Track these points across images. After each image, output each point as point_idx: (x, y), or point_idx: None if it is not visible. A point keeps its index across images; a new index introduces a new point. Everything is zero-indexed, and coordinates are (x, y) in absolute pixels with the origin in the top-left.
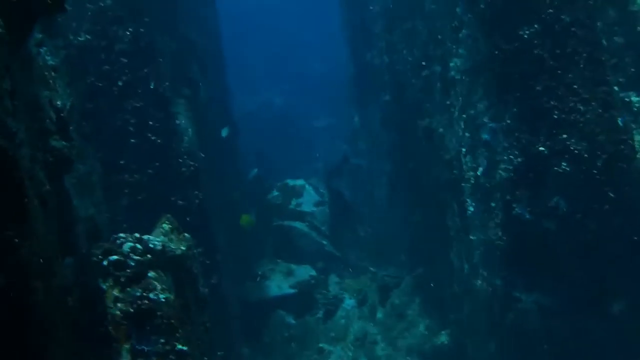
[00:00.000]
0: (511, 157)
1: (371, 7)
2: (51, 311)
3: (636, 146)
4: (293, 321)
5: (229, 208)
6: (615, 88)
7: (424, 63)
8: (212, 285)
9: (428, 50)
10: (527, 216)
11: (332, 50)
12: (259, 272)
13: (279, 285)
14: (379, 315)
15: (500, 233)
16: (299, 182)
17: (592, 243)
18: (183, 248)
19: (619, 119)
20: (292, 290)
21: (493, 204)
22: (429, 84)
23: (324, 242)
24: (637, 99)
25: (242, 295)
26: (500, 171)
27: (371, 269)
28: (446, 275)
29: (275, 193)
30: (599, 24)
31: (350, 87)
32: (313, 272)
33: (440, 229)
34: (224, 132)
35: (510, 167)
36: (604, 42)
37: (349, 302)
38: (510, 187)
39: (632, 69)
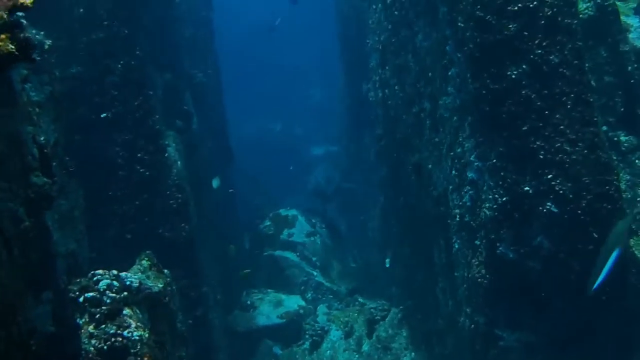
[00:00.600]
0: (496, 196)
1: (368, 41)
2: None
3: (623, 186)
4: (280, 351)
5: (222, 238)
6: (604, 128)
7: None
8: (196, 318)
9: (419, 87)
10: (511, 255)
11: (332, 77)
12: (248, 302)
13: (267, 315)
14: (365, 347)
15: (483, 271)
16: (292, 212)
17: (575, 283)
18: (160, 285)
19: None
20: (280, 321)
21: (477, 242)
22: (419, 120)
23: (314, 273)
24: (626, 138)
25: (230, 324)
26: (485, 210)
27: (360, 300)
28: (432, 309)
29: (267, 223)
30: (589, 64)
31: (347, 117)
32: (302, 303)
33: (428, 264)
34: (215, 183)
35: (495, 206)
36: (593, 82)
37: (336, 333)
38: (494, 226)
39: (622, 109)
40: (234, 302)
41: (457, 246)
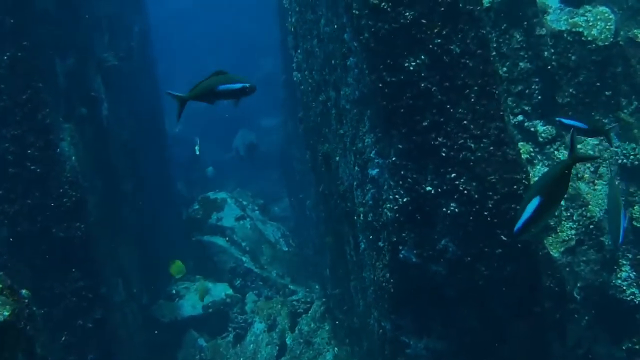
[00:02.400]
0: (397, 196)
1: (287, 22)
2: None
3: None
4: (204, 343)
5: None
6: (520, 117)
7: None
8: (96, 321)
9: (324, 75)
10: (414, 259)
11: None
12: (174, 291)
13: (193, 304)
14: (288, 341)
15: (387, 275)
16: (221, 195)
17: (484, 288)
18: (6, 313)
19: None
20: (206, 310)
21: (381, 244)
22: (327, 109)
23: (244, 259)
24: (544, 128)
25: (155, 315)
26: (386, 210)
27: (291, 287)
28: (349, 306)
29: (196, 206)
30: (503, 49)
31: (284, 91)
32: (229, 291)
33: (344, 258)
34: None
35: (396, 207)
36: (505, 69)
37: (259, 326)
38: (396, 228)
39: (539, 97)
40: (161, 290)
41: (363, 246)
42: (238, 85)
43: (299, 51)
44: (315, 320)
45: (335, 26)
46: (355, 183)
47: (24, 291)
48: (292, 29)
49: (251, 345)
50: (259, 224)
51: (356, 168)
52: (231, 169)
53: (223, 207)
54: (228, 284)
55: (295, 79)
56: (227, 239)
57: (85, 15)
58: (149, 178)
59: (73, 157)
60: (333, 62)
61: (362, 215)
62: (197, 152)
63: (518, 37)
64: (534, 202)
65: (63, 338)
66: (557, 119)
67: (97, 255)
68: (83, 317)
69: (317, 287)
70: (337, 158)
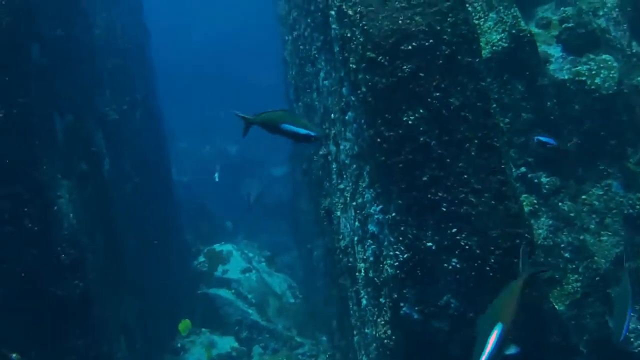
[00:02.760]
0: (397, 252)
1: (288, 75)
2: None
3: (544, 232)
4: None
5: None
6: (523, 169)
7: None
8: None
9: (324, 128)
10: (416, 316)
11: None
12: (179, 345)
13: (198, 358)
14: None
15: (389, 332)
16: (227, 247)
17: None
18: None
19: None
20: None
21: (382, 300)
22: (327, 163)
23: (250, 311)
24: (547, 179)
25: None
26: (387, 267)
27: (297, 339)
28: None
29: (202, 259)
30: (506, 100)
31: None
32: (235, 344)
33: (348, 312)
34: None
35: (397, 264)
36: (507, 121)
37: None
38: (397, 285)
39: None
40: (166, 344)
41: (364, 302)
42: (303, 131)
43: (299, 104)
44: None
45: (334, 80)
46: (356, 238)
47: (14, 355)
48: (293, 82)
49: None
50: (265, 276)
51: (357, 223)
52: (240, 219)
53: (229, 260)
54: (234, 336)
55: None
56: (233, 291)
57: (85, 71)
58: (155, 230)
59: (71, 215)
60: (332, 116)
61: (363, 271)
62: (217, 179)
63: (520, 87)
64: (498, 331)
65: None
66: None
67: (98, 312)
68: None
69: (324, 338)
70: (338, 213)
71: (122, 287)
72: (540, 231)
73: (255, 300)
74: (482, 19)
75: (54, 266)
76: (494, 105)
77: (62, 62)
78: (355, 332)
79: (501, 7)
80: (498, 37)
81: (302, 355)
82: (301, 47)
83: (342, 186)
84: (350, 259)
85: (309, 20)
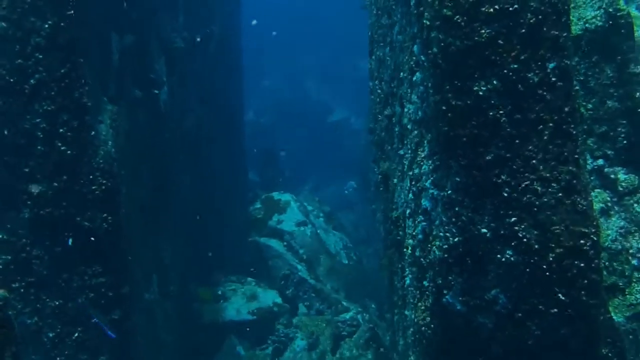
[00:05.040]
0: (448, 234)
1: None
2: None
3: (613, 234)
4: (242, 352)
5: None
6: (601, 162)
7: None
8: (113, 321)
9: (392, 87)
10: (459, 307)
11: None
12: (220, 292)
13: (238, 309)
14: None
15: (428, 319)
16: (285, 196)
17: (533, 349)
18: None
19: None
20: (250, 317)
21: (425, 283)
22: (391, 125)
23: (299, 267)
24: (625, 177)
25: (196, 315)
26: (435, 248)
27: (344, 303)
28: (393, 339)
29: (258, 205)
30: (591, 83)
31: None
32: (279, 300)
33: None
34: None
35: (446, 247)
36: (590, 107)
37: (300, 343)
38: (442, 270)
39: (625, 141)
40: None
41: (407, 281)
42: None
43: (373, 57)
44: (358, 346)
45: (407, 35)
46: (408, 211)
47: (1, 291)
48: (369, 33)
49: None
50: (321, 233)
51: (410, 195)
52: (312, 167)
53: (286, 210)
54: (278, 291)
55: (369, 87)
56: (285, 243)
57: None
58: (216, 170)
59: (110, 142)
60: (401, 74)
61: (410, 248)
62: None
63: (609, 72)
64: None
65: (76, 334)
66: None
67: (126, 250)
68: (99, 315)
69: (373, 306)
70: (395, 180)
71: (165, 225)
72: (609, 232)
73: (306, 256)
74: None
75: (84, 195)
76: (577, 88)
77: None
78: (396, 311)
79: None
80: (593, 13)
81: (342, 324)
82: None
83: (402, 152)
84: (400, 233)
85: None
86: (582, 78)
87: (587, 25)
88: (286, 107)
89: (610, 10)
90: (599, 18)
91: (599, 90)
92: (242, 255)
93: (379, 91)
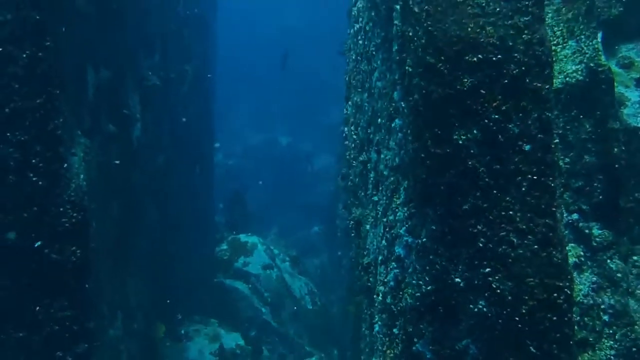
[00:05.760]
0: (420, 282)
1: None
2: None
3: (585, 289)
4: None
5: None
6: (575, 216)
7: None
8: (77, 355)
9: (369, 133)
10: (429, 356)
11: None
12: (183, 331)
13: (200, 349)
14: None
15: None
16: (252, 239)
17: None
18: None
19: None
20: (212, 358)
21: (395, 331)
22: (366, 171)
23: (264, 310)
24: (600, 232)
25: (159, 356)
26: (407, 296)
27: (307, 348)
28: None
29: (224, 247)
30: (570, 137)
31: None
32: (241, 342)
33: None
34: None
35: (418, 294)
36: (567, 161)
37: None
38: (413, 318)
39: (600, 197)
40: (171, 329)
41: (377, 328)
42: None
43: (349, 103)
44: None
45: (387, 82)
46: (380, 258)
47: None
48: (346, 78)
49: None
50: (287, 277)
51: (384, 242)
52: (278, 213)
53: (252, 252)
54: (242, 333)
55: (343, 133)
56: (250, 286)
57: (135, 30)
58: (184, 209)
59: (82, 175)
60: (379, 121)
61: (381, 295)
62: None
63: (588, 127)
64: None
65: None
66: None
67: (93, 284)
68: (63, 349)
69: (335, 352)
70: (368, 227)
71: (131, 261)
72: (581, 287)
73: (271, 300)
74: (560, 45)
75: (53, 227)
76: (557, 141)
77: (111, 14)
78: (363, 358)
79: (582, 37)
80: (574, 67)
81: None
82: (360, 41)
83: (376, 198)
84: (371, 279)
85: (372, 14)
86: (560, 131)
87: (567, 79)
88: (255, 151)
89: (592, 65)
90: (579, 72)
91: (576, 144)
92: (206, 295)
93: (354, 137)
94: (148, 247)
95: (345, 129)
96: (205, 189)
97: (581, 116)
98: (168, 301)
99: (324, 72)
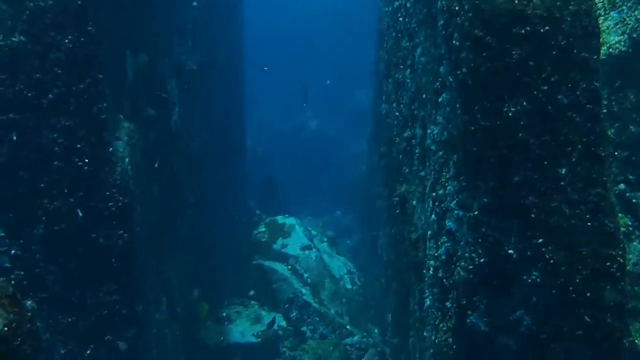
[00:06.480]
0: (473, 255)
1: (380, 51)
2: None
3: (635, 258)
4: None
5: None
6: (622, 186)
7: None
8: (127, 339)
9: (413, 109)
10: (483, 327)
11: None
12: (224, 314)
13: (242, 331)
14: None
15: (450, 340)
16: (290, 220)
17: None
18: None
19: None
20: (254, 340)
21: (448, 304)
22: (410, 147)
23: (303, 291)
24: None
25: (201, 337)
26: (459, 269)
27: (348, 327)
28: None
29: (262, 229)
30: (615, 108)
31: (372, 125)
32: (283, 323)
33: (408, 309)
34: None
35: (471, 267)
36: (613, 131)
37: None
38: (467, 291)
39: None
40: (212, 311)
41: (428, 302)
42: None
43: (389, 81)
44: None
45: (432, 57)
46: (429, 233)
47: (28, 302)
48: (386, 56)
49: None
50: (325, 257)
51: (433, 216)
52: (308, 195)
53: (290, 234)
54: (283, 315)
55: (382, 110)
56: (290, 267)
57: (168, 16)
58: (218, 193)
59: (127, 159)
60: (424, 96)
61: (432, 269)
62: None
63: (632, 97)
64: None
65: (88, 351)
66: None
67: (139, 268)
68: (113, 333)
69: (376, 331)
70: (414, 202)
71: (172, 245)
72: (630, 256)
73: (310, 280)
74: (602, 17)
75: (100, 212)
76: (605, 111)
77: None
78: (411, 333)
79: (625, 7)
80: (617, 38)
81: (350, 347)
82: (400, 19)
83: (423, 174)
84: (420, 254)
85: None
86: (605, 102)
87: (610, 50)
88: (283, 136)
89: (634, 35)
90: (622, 43)
91: (621, 115)
92: (245, 278)
93: (396, 114)
94: (187, 231)
95: (386, 106)
96: (240, 172)
97: (625, 87)
98: (208, 284)
99: (348, 56)
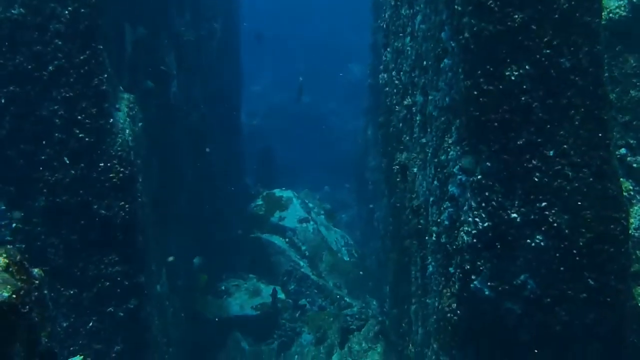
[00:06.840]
0: (477, 219)
1: (378, 21)
2: None
3: (636, 222)
4: (247, 347)
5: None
6: (623, 150)
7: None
8: (129, 311)
9: (413, 77)
10: (487, 292)
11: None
12: (223, 287)
13: (241, 304)
14: (335, 358)
15: (454, 305)
16: (287, 193)
17: (561, 335)
18: (6, 294)
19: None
20: (253, 312)
21: (452, 270)
22: (411, 115)
23: (301, 263)
24: None
25: (200, 311)
26: (463, 234)
27: (346, 299)
28: (407, 331)
29: (259, 202)
30: (615, 73)
31: (368, 96)
32: (281, 295)
33: (408, 278)
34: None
35: (474, 232)
36: (614, 95)
37: (307, 337)
38: (471, 255)
39: None
40: (211, 285)
41: (430, 269)
42: None
43: (388, 49)
44: (367, 340)
45: (432, 23)
46: (431, 199)
47: (36, 270)
48: (384, 25)
49: (296, 357)
50: (323, 229)
51: (435, 182)
52: (303, 169)
53: (287, 207)
54: (281, 287)
55: (380, 80)
56: (287, 240)
57: None
58: (215, 167)
59: (127, 131)
60: (425, 63)
61: (434, 235)
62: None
63: (632, 62)
64: None
65: (90, 324)
66: None
67: (141, 240)
68: (115, 304)
69: (374, 303)
70: (415, 169)
71: (172, 218)
72: (632, 220)
73: (308, 253)
74: None
75: (102, 183)
76: (607, 75)
77: None
78: (413, 301)
79: None
80: (617, 3)
81: (350, 317)
82: None
83: (424, 140)
84: (422, 221)
85: None
86: (605, 67)
87: (610, 15)
88: (278, 110)
89: (635, 0)
90: (622, 8)
91: (622, 79)
92: (242, 251)
93: (396, 82)
94: (186, 204)
95: (385, 75)
96: (236, 146)
97: (625, 52)
98: (207, 256)
99: (343, 31)
